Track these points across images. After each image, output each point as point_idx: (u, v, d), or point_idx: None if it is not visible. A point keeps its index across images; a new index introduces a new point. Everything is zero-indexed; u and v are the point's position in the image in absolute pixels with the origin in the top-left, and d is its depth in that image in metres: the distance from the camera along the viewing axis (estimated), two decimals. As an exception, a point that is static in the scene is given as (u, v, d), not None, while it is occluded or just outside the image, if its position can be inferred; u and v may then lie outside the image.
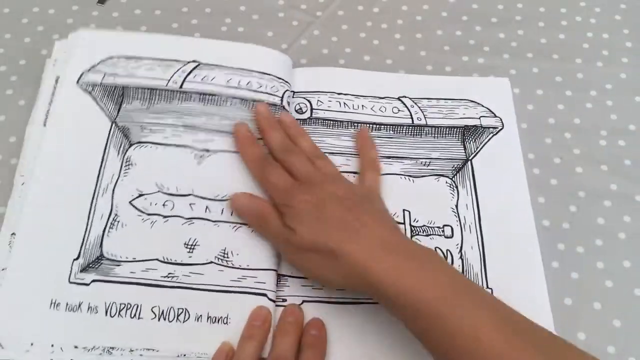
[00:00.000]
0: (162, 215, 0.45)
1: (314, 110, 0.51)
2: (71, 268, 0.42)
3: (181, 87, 0.49)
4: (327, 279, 0.41)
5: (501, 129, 0.51)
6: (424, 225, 0.46)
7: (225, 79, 0.50)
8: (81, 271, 0.42)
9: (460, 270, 0.45)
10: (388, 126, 0.51)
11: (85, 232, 0.44)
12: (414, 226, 0.46)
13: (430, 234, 0.46)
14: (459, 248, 0.46)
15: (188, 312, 0.41)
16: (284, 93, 0.50)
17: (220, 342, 0.40)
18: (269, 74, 0.51)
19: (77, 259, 0.43)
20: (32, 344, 0.40)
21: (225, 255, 0.44)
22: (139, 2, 0.59)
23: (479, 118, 0.52)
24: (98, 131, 0.47)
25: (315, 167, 0.45)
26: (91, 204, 0.45)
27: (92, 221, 0.44)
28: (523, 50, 0.58)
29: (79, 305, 0.41)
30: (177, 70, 0.50)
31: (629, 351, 0.43)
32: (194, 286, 0.42)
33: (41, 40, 0.55)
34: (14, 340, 0.40)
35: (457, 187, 0.48)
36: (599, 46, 0.58)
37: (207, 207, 0.45)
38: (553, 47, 0.58)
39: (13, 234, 0.43)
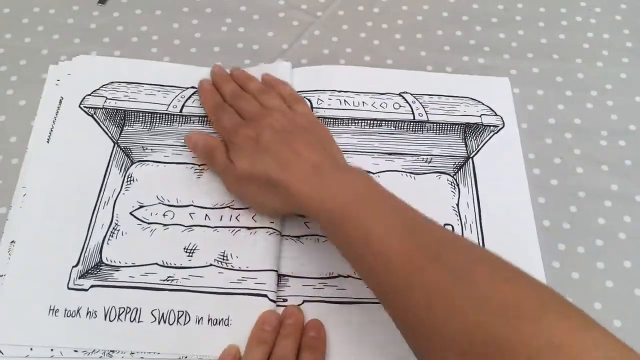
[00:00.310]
0: (162, 224, 0.45)
1: (314, 109, 0.51)
2: (70, 275, 0.43)
3: (181, 111, 0.51)
4: (267, 207, 0.44)
5: (502, 128, 0.51)
6: None
7: None
8: (80, 277, 0.43)
9: None
10: (389, 122, 0.51)
11: (85, 240, 0.44)
12: None
13: None
14: None
15: (188, 314, 0.41)
16: None
17: (221, 343, 0.40)
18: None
19: (76, 265, 0.43)
20: (31, 349, 0.40)
21: (225, 258, 0.44)
22: (139, 2, 0.59)
23: (480, 116, 0.52)
24: (101, 150, 0.48)
25: (260, 105, 0.48)
26: (92, 215, 0.45)
27: (92, 230, 0.45)
28: (523, 50, 0.58)
29: (78, 311, 0.41)
30: (177, 96, 0.51)
31: (630, 351, 0.43)
32: (194, 289, 0.42)
33: (41, 40, 0.55)
34: (13, 346, 0.40)
35: (458, 185, 0.48)
36: (599, 46, 0.58)
37: (206, 215, 0.46)
38: (553, 47, 0.58)
39: (13, 242, 0.44)
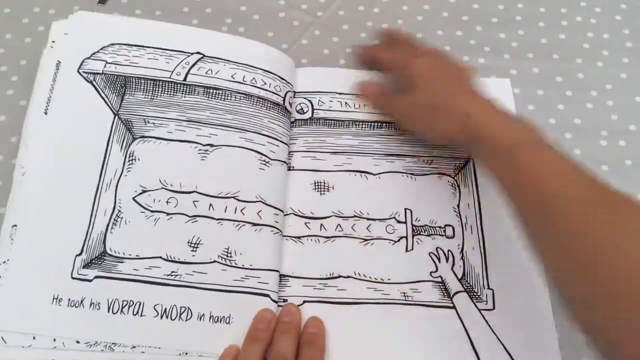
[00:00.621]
0: (165, 213, 0.45)
1: (315, 110, 0.51)
2: (74, 263, 0.42)
3: (185, 79, 0.49)
4: (439, 131, 0.45)
5: None
6: (425, 225, 0.47)
7: (229, 74, 0.49)
8: (84, 267, 0.42)
9: (462, 271, 0.45)
10: (390, 124, 0.51)
11: (89, 227, 0.44)
12: (415, 225, 0.46)
13: (431, 234, 0.46)
14: (460, 248, 0.46)
15: (191, 310, 0.41)
16: (286, 94, 0.50)
17: (222, 341, 0.40)
18: (273, 73, 0.51)
19: (79, 254, 0.43)
20: (34, 338, 0.40)
21: (229, 255, 0.43)
22: (139, 2, 0.59)
23: None
24: (101, 123, 0.47)
25: None
26: (94, 199, 0.44)
27: (95, 217, 0.44)
28: (523, 50, 0.58)
29: (82, 301, 0.41)
30: (181, 62, 0.49)
31: (630, 351, 0.43)
32: (197, 285, 0.42)
33: (42, 40, 0.55)
34: (16, 334, 0.40)
35: (459, 186, 0.48)
36: (599, 46, 0.58)
37: (210, 205, 0.45)
38: (553, 47, 0.58)
39: (14, 225, 0.43)
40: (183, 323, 0.41)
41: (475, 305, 0.43)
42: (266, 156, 0.47)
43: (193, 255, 0.43)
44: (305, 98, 0.52)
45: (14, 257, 0.42)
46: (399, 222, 0.47)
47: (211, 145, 0.47)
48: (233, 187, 0.46)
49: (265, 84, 0.50)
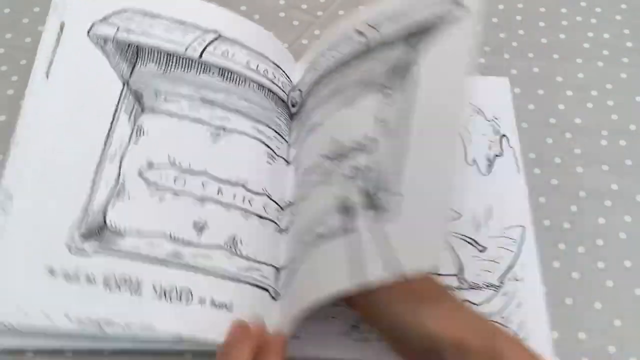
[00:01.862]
0: (172, 191, 0.42)
1: None
2: (72, 236, 0.40)
3: (200, 56, 0.46)
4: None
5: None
6: None
7: (245, 59, 0.48)
8: (82, 240, 0.40)
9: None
10: None
11: (89, 199, 0.41)
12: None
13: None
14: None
15: (192, 293, 0.40)
16: (289, 92, 0.50)
17: (221, 328, 0.38)
18: (281, 68, 0.50)
19: (78, 227, 0.40)
20: (26, 313, 0.38)
21: (234, 243, 0.42)
22: (139, 2, 0.59)
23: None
24: (108, 91, 0.44)
25: None
26: (96, 170, 0.42)
27: (96, 189, 0.42)
28: (524, 50, 0.58)
29: (77, 276, 0.39)
30: (197, 38, 0.47)
31: (630, 351, 0.43)
32: (201, 268, 0.41)
33: (42, 40, 0.55)
34: (8, 308, 0.38)
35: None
36: (599, 46, 0.58)
37: (219, 189, 0.43)
38: (553, 47, 0.58)
39: (10, 196, 0.40)
40: (182, 306, 0.39)
41: None
42: (273, 151, 0.46)
43: (198, 238, 0.42)
44: (298, 90, 0.50)
45: (9, 229, 0.40)
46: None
47: (224, 128, 0.45)
48: (242, 175, 0.44)
49: (275, 77, 0.49)
